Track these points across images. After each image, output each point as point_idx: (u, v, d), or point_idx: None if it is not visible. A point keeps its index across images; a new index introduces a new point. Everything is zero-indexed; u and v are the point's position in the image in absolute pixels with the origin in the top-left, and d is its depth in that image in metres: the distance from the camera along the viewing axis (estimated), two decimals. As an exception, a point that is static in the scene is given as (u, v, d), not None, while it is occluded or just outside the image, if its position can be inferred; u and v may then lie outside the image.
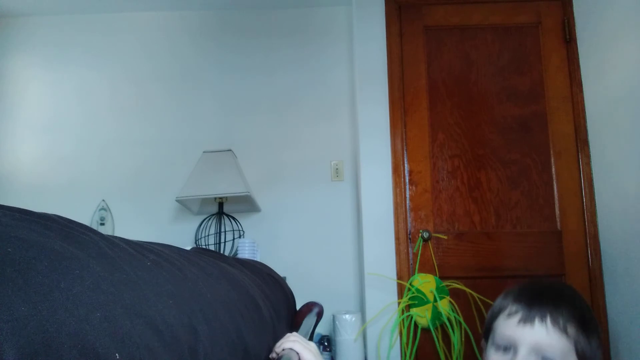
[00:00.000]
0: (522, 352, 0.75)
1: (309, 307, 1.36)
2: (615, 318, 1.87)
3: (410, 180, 2.12)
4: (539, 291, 0.80)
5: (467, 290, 1.97)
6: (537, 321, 0.75)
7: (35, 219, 0.41)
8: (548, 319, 0.75)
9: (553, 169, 2.10)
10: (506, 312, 0.81)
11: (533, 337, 0.75)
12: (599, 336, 0.79)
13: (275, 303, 1.01)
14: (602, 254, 1.98)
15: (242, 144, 2.56)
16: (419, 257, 2.03)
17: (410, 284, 1.97)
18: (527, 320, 0.76)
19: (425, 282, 1.93)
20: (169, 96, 2.66)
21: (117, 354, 0.36)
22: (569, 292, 0.83)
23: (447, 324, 1.88)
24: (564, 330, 0.74)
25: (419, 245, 2.04)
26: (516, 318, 0.78)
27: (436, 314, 1.89)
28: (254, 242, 2.24)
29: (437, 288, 1.92)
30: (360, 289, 2.32)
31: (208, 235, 2.40)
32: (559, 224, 2.06)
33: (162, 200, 2.51)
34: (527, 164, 2.11)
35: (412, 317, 1.93)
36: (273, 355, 0.82)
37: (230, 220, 2.40)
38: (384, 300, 2.01)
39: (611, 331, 1.89)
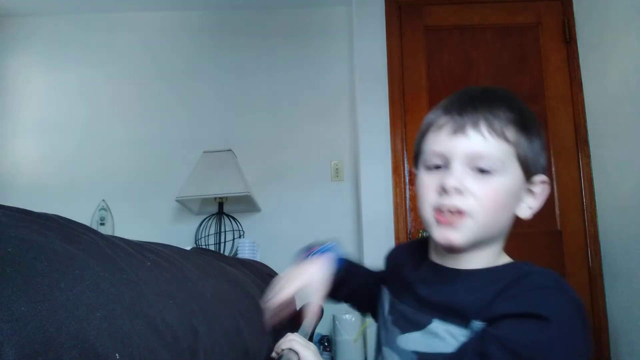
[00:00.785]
0: (455, 165, 0.66)
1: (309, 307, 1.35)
2: (615, 318, 1.87)
3: (410, 180, 2.12)
4: (470, 97, 0.69)
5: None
6: (469, 129, 0.66)
7: (35, 219, 0.41)
8: (482, 125, 0.65)
9: (553, 169, 2.10)
10: (435, 125, 0.70)
11: (467, 146, 0.65)
12: (540, 137, 0.70)
13: (275, 303, 1.01)
14: (602, 253, 1.97)
15: (242, 144, 2.56)
16: (419, 257, 2.03)
17: (410, 284, 1.97)
18: (458, 130, 0.66)
19: (425, 282, 1.93)
20: (169, 96, 2.65)
21: (117, 354, 0.36)
22: (505, 93, 0.72)
23: (447, 323, 1.88)
24: (502, 135, 0.65)
25: (419, 245, 2.04)
26: (446, 130, 0.68)
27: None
28: (254, 242, 2.24)
29: (437, 288, 1.92)
30: (360, 289, 2.32)
31: (208, 235, 2.40)
32: (559, 224, 2.06)
33: (162, 200, 2.51)
34: (527, 163, 2.11)
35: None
36: (273, 355, 0.82)
37: (230, 220, 2.40)
38: (384, 300, 2.01)
39: (611, 331, 1.89)
